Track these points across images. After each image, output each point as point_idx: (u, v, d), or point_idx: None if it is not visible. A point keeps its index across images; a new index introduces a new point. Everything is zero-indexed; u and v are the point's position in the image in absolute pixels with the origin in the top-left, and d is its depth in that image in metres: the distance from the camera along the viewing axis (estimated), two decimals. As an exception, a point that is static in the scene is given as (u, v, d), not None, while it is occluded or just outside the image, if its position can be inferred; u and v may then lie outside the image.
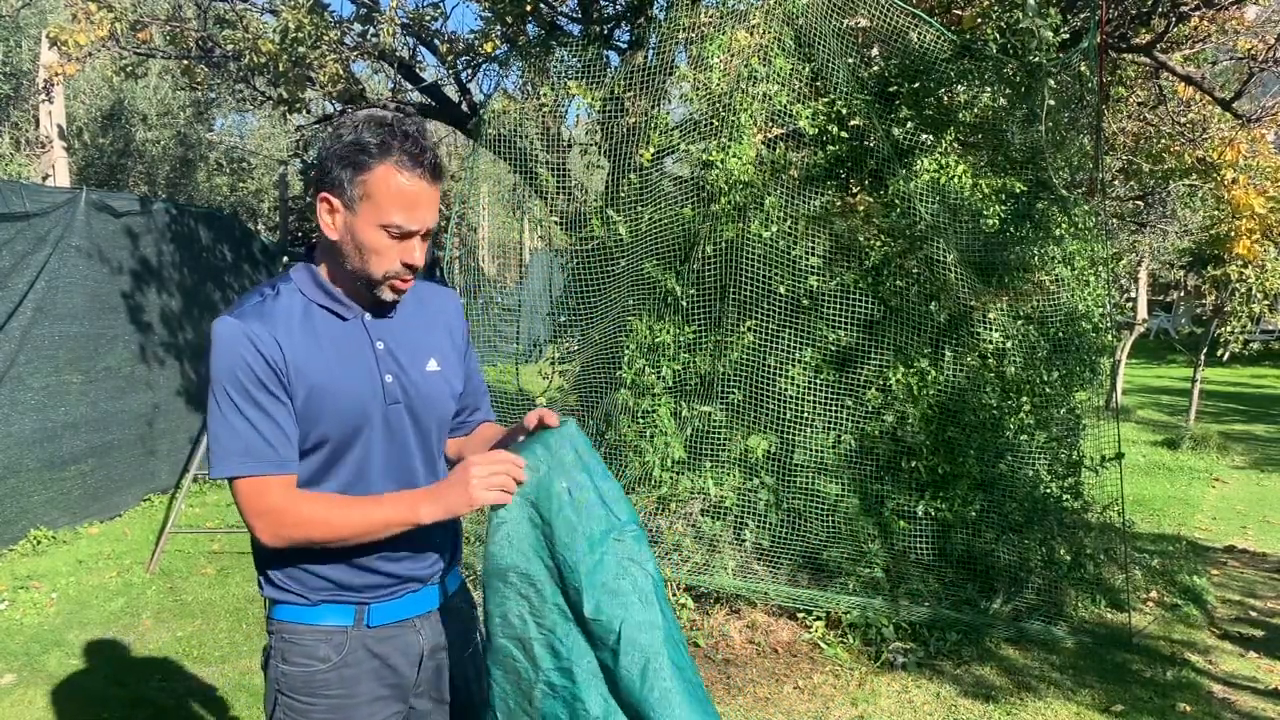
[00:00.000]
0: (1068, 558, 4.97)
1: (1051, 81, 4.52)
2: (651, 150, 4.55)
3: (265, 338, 1.54)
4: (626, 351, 4.46)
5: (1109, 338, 5.08)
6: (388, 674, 1.68)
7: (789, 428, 4.51)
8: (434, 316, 1.77)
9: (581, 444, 1.58)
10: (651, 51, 5.19)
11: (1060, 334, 4.80)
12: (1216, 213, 9.13)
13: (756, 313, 4.48)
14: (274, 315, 1.57)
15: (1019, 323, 4.73)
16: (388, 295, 1.62)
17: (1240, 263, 9.60)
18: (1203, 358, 11.40)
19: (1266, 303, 10.74)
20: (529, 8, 5.32)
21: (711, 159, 4.37)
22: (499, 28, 5.52)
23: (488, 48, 5.65)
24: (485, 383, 1.95)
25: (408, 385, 1.67)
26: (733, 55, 4.48)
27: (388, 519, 1.55)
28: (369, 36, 5.77)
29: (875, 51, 4.93)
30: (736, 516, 4.52)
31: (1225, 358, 14.12)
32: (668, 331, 4.44)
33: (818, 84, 4.68)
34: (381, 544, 1.62)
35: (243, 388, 1.53)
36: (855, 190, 5.07)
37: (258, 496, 1.54)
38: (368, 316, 1.66)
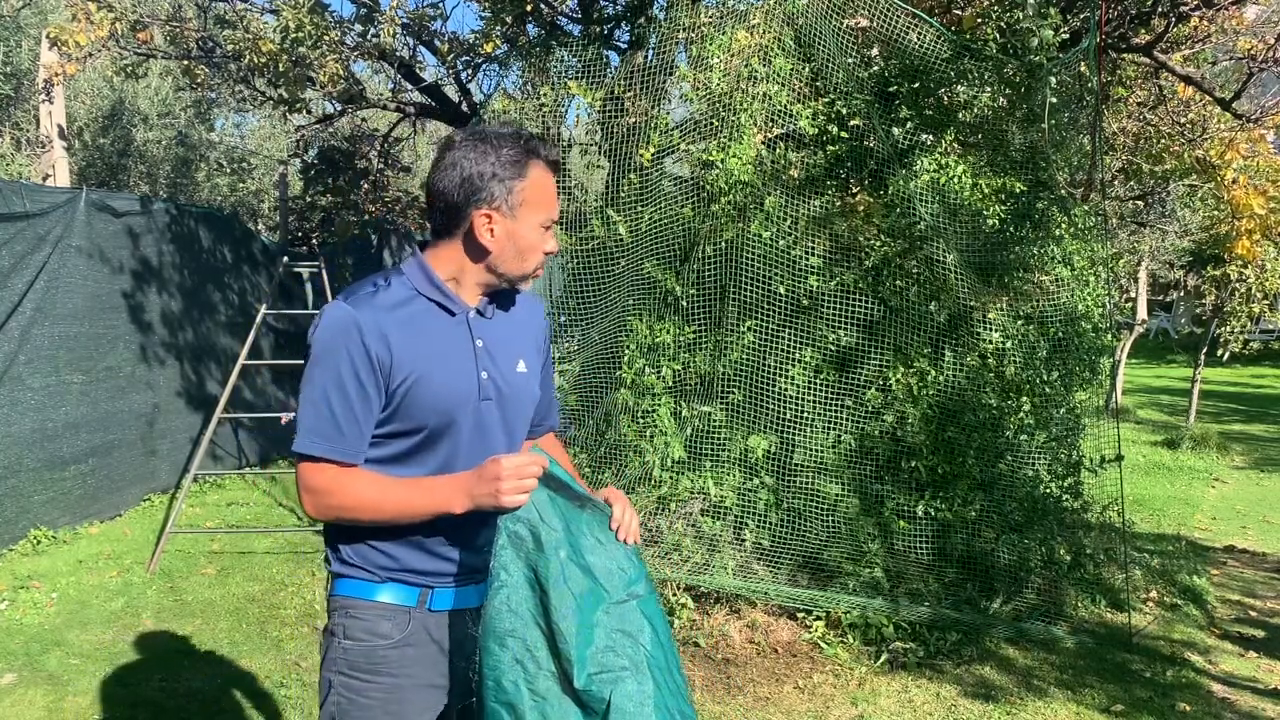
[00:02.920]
0: (1068, 558, 4.97)
1: (1053, 80, 4.52)
2: (651, 150, 4.55)
3: (373, 328, 1.61)
4: (626, 351, 4.46)
5: (1109, 338, 5.08)
6: (443, 662, 1.71)
7: (789, 428, 4.51)
8: (524, 321, 1.85)
9: (573, 516, 1.59)
10: (651, 51, 5.19)
11: (1060, 334, 4.80)
12: (1216, 213, 9.12)
13: (756, 313, 4.48)
14: (385, 306, 1.65)
15: (1019, 323, 4.73)
16: (529, 284, 1.78)
17: (1240, 263, 9.60)
18: (1203, 358, 11.41)
19: (1266, 302, 10.75)
20: (529, 8, 5.31)
21: (711, 159, 4.37)
22: (499, 28, 5.52)
23: (488, 48, 5.64)
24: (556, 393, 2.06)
25: (501, 384, 1.74)
26: (733, 55, 4.48)
27: (425, 504, 1.61)
28: (369, 36, 5.78)
29: (875, 51, 4.93)
30: (736, 516, 4.52)
31: (1225, 358, 14.12)
32: (668, 331, 4.44)
33: (818, 84, 4.68)
34: (448, 530, 1.67)
35: (337, 373, 1.61)
36: (855, 190, 5.07)
37: (314, 474, 1.63)
38: (472, 314, 1.73)
